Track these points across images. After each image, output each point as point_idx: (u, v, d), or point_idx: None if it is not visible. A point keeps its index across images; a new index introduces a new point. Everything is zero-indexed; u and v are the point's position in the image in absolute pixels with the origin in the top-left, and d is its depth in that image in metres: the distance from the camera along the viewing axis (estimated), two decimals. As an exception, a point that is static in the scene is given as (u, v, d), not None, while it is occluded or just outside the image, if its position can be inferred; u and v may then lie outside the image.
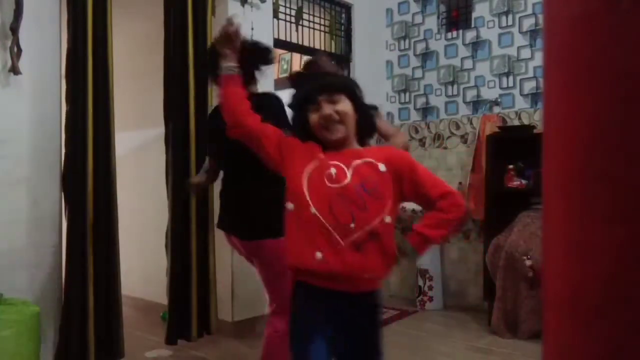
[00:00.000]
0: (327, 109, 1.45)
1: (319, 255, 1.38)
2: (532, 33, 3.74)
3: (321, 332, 1.45)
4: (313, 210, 1.39)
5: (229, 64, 1.63)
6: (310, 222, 1.39)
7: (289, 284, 1.54)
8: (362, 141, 1.56)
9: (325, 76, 1.76)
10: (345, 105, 1.47)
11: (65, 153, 2.52)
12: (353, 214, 1.38)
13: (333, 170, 1.42)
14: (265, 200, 2.16)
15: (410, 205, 4.00)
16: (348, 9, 4.31)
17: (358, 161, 1.44)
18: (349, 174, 1.41)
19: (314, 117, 1.46)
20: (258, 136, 1.54)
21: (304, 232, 1.41)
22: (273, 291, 2.22)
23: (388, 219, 1.41)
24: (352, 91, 1.51)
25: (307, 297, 1.48)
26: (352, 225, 1.37)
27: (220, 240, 3.18)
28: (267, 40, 3.52)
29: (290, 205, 1.44)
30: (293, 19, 3.89)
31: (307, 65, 2.51)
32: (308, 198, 1.40)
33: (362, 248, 1.38)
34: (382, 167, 1.43)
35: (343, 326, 1.46)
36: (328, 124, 1.45)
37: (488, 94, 3.97)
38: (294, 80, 1.94)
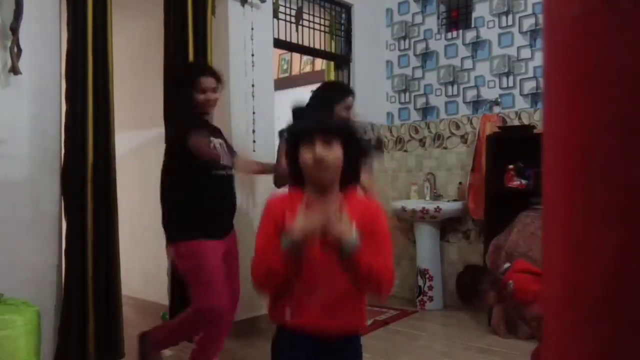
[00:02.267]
0: (320, 150, 1.45)
1: (287, 312, 1.47)
2: (532, 33, 3.74)
3: None
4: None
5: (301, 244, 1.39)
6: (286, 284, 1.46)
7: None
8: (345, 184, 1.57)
9: (326, 118, 1.83)
10: (336, 152, 1.47)
11: (64, 153, 2.52)
12: (319, 276, 1.44)
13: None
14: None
15: (410, 205, 4.00)
16: (348, 9, 4.31)
17: None
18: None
19: (305, 156, 1.47)
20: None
21: (283, 294, 1.49)
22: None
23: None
24: (347, 139, 1.52)
25: (285, 347, 1.54)
26: (319, 291, 1.44)
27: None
28: (267, 41, 3.53)
29: None
30: (293, 19, 3.89)
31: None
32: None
33: (331, 307, 1.44)
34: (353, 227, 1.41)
35: None
36: (319, 166, 1.46)
37: (488, 94, 3.97)
38: (295, 113, 2.01)
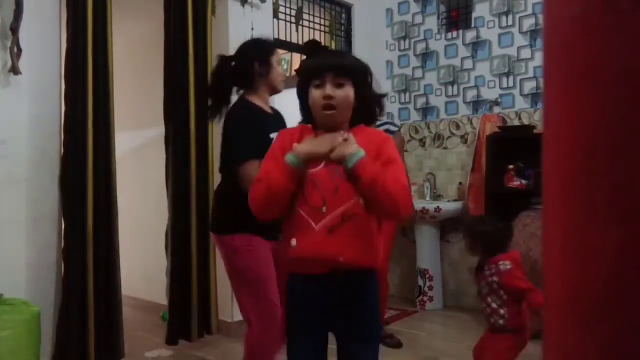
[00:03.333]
0: (329, 89, 1.42)
1: (293, 242, 1.41)
2: (532, 33, 3.74)
3: (315, 325, 1.48)
4: (296, 200, 1.41)
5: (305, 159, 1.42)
6: (294, 212, 1.42)
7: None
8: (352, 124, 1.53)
9: (339, 55, 1.75)
10: (347, 90, 1.44)
11: (63, 153, 2.52)
12: (324, 198, 1.39)
13: None
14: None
15: (410, 205, 4.00)
16: (348, 9, 4.31)
17: None
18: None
19: (315, 94, 1.43)
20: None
21: (288, 223, 1.45)
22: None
23: (362, 201, 1.39)
24: (359, 78, 1.48)
25: (298, 290, 1.50)
26: (324, 209, 1.38)
27: (220, 240, 3.18)
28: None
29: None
30: (293, 19, 3.89)
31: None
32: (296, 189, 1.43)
33: (335, 231, 1.37)
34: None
35: (337, 307, 1.46)
36: (326, 105, 1.43)
37: (488, 94, 3.97)
38: (309, 48, 1.85)
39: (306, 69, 1.53)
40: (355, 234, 1.40)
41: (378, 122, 2.46)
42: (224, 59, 2.18)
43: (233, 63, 2.14)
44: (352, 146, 1.38)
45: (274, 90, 2.16)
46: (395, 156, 1.45)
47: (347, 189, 1.39)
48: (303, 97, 1.50)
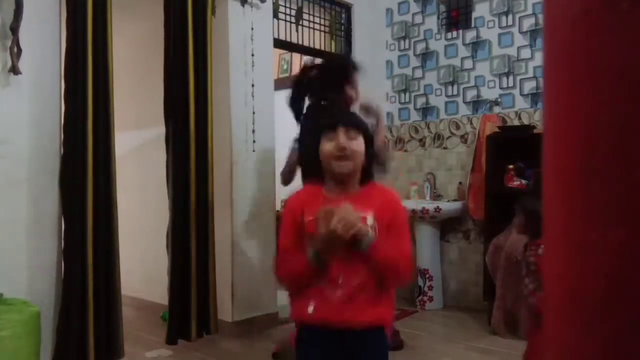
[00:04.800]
0: (343, 140, 1.47)
1: (310, 308, 1.45)
2: (532, 33, 3.74)
3: None
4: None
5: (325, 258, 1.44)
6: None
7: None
8: (362, 181, 1.59)
9: (348, 113, 1.89)
10: (359, 143, 1.50)
11: (62, 153, 2.52)
12: (340, 269, 1.43)
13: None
14: None
15: (410, 205, 3.99)
16: (348, 9, 4.31)
17: None
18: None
19: (327, 146, 1.48)
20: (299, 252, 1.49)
21: (305, 289, 1.49)
22: None
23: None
24: (368, 133, 1.55)
25: (309, 344, 1.53)
26: (340, 280, 1.43)
27: (220, 241, 3.19)
28: (267, 41, 3.53)
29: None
30: (293, 19, 3.89)
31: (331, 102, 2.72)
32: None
33: (352, 300, 1.43)
34: (369, 220, 1.45)
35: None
36: (340, 155, 1.47)
37: (488, 94, 3.97)
38: (304, 70, 1.96)
39: (320, 125, 1.58)
40: (370, 301, 1.45)
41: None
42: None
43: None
44: (364, 226, 1.39)
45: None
46: (406, 225, 1.53)
47: (360, 261, 1.43)
48: (313, 152, 1.54)
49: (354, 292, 1.44)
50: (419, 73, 4.38)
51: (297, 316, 1.53)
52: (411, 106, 4.43)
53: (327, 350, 1.49)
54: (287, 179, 2.90)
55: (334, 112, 1.68)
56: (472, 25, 4.07)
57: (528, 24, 3.77)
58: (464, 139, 4.10)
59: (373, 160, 1.58)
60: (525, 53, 3.78)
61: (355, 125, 1.53)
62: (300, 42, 3.94)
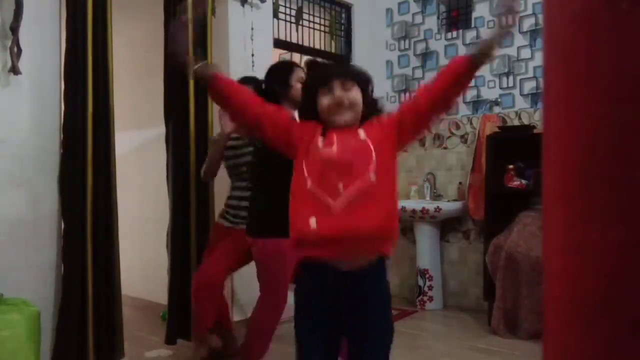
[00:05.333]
0: (340, 92, 1.49)
1: (312, 221, 1.41)
2: (532, 33, 3.74)
3: (325, 320, 1.48)
4: (309, 183, 1.44)
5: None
6: (307, 195, 1.45)
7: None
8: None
9: (342, 64, 1.84)
10: (356, 93, 1.52)
11: (62, 153, 2.52)
12: (340, 177, 1.42)
13: (322, 142, 1.48)
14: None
15: (410, 205, 4.00)
16: (348, 9, 4.31)
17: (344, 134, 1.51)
18: (335, 143, 1.47)
19: (324, 100, 1.50)
20: (263, 121, 1.56)
21: (303, 205, 1.46)
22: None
23: (373, 177, 1.43)
24: (364, 83, 1.56)
25: (310, 282, 1.50)
26: (340, 186, 1.41)
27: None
28: (267, 41, 3.53)
29: (295, 184, 1.51)
30: (293, 19, 3.89)
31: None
32: (306, 174, 1.46)
33: (353, 208, 1.40)
34: (361, 134, 1.49)
35: (348, 305, 1.47)
36: (338, 107, 1.49)
37: (488, 94, 3.97)
38: (309, 67, 2.01)
39: (314, 79, 1.59)
40: (373, 209, 1.43)
41: None
42: (258, 84, 2.56)
43: (263, 86, 2.52)
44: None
45: (296, 104, 2.36)
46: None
47: (360, 167, 1.44)
48: (310, 107, 1.55)
49: (357, 197, 1.41)
50: (419, 73, 4.38)
51: (298, 233, 1.47)
52: (411, 106, 4.43)
53: (322, 296, 1.47)
54: (208, 176, 2.85)
55: (326, 67, 1.69)
56: (472, 25, 4.07)
57: (528, 24, 3.77)
58: (464, 139, 4.10)
59: (372, 108, 1.59)
60: (525, 53, 3.78)
61: (350, 75, 1.54)
62: (300, 42, 3.94)
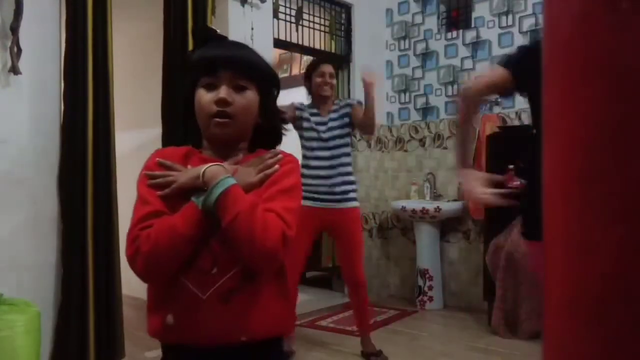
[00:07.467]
0: (225, 92, 1.02)
1: (169, 319, 1.05)
2: (532, 33, 3.74)
3: None
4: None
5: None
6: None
7: None
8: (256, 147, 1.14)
9: (242, 48, 1.14)
10: (249, 97, 1.05)
11: (61, 153, 2.52)
12: (214, 254, 1.00)
13: None
14: None
15: (410, 205, 4.00)
16: (348, 9, 4.31)
17: None
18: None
19: (204, 97, 1.03)
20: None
21: (157, 294, 1.11)
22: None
23: None
24: (266, 84, 1.10)
25: None
26: (214, 270, 1.00)
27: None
28: (267, 40, 3.53)
29: None
30: (293, 19, 3.89)
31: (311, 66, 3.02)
32: None
33: (231, 299, 0.99)
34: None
35: None
36: (218, 112, 1.03)
37: (488, 94, 3.97)
38: (200, 38, 1.28)
39: (195, 62, 1.08)
40: (261, 297, 1.01)
41: (342, 102, 3.03)
42: None
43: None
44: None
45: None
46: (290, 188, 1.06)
47: None
48: (190, 100, 1.07)
49: (237, 285, 0.99)
50: (419, 73, 4.38)
51: (153, 331, 1.10)
52: (411, 106, 4.43)
53: None
54: None
55: (216, 45, 1.09)
56: (472, 25, 4.07)
57: (528, 24, 3.77)
58: (464, 139, 4.09)
59: (270, 121, 1.11)
60: (525, 53, 3.78)
61: (248, 69, 1.05)
62: (300, 42, 3.94)
